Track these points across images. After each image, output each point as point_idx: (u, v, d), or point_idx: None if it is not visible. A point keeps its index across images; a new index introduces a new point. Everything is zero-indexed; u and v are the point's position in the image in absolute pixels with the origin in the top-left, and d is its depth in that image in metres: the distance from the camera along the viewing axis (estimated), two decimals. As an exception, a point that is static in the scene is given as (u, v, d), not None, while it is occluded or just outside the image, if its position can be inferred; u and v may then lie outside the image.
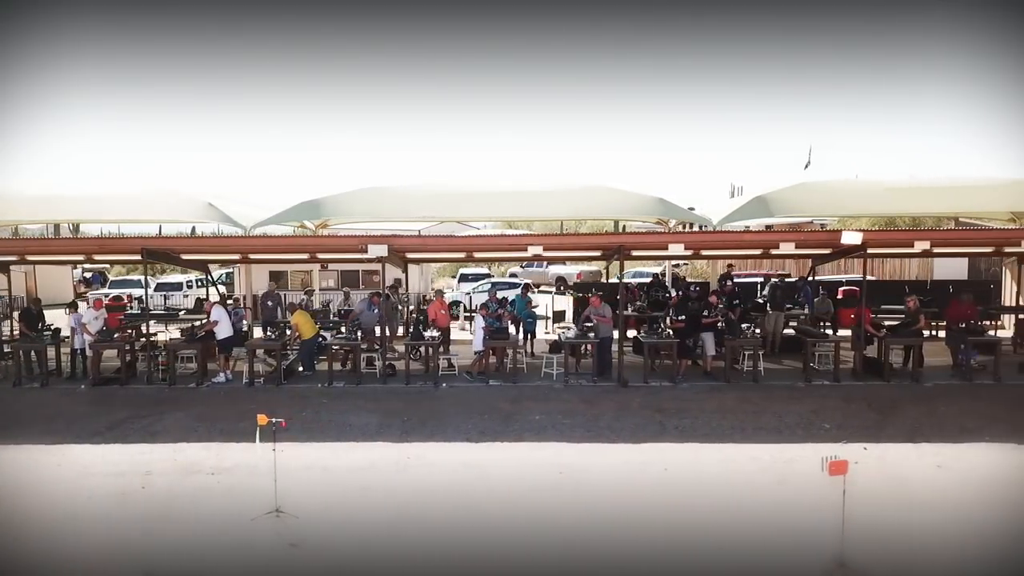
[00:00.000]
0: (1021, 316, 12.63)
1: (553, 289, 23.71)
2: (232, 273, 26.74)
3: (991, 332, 12.05)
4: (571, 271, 30.03)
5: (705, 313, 10.38)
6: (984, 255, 16.67)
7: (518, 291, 13.06)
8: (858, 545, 5.40)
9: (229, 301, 19.55)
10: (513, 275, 32.01)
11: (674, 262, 27.79)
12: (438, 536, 5.69)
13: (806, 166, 38.61)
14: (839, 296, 16.00)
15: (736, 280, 15.71)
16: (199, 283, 26.83)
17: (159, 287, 24.35)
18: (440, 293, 12.53)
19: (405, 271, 14.70)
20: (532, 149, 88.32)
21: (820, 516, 5.72)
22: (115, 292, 23.45)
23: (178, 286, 24.91)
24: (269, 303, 13.51)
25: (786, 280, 13.81)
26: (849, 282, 16.48)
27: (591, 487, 6.73)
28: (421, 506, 6.29)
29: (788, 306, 12.92)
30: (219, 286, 17.43)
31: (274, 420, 6.34)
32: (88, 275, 32.16)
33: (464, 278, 27.05)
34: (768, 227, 20.12)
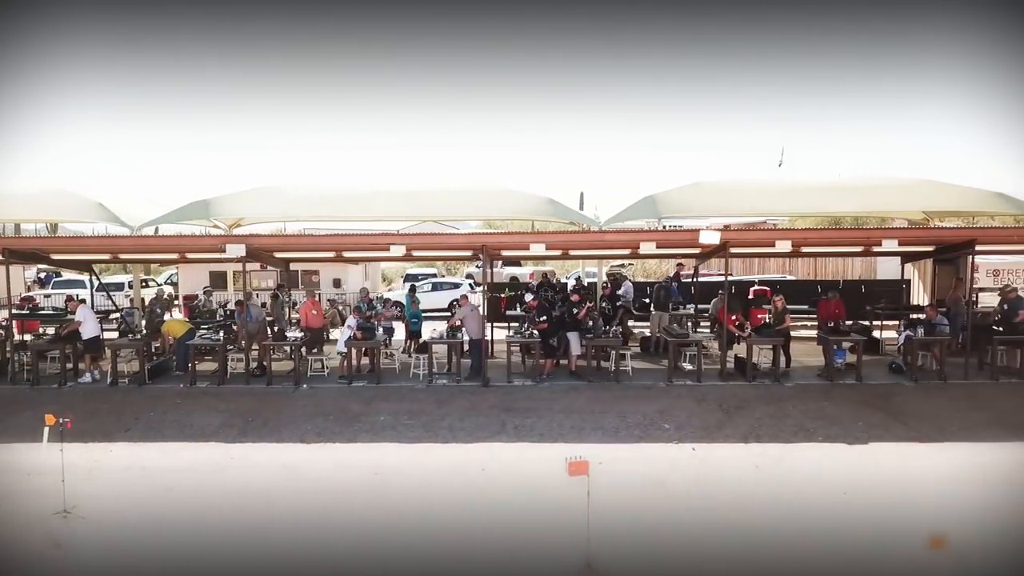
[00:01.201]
0: (914, 316, 12.58)
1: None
2: (176, 274, 26.78)
3: (876, 332, 12.05)
4: (524, 271, 30.03)
5: (564, 312, 10.33)
6: (852, 255, 16.73)
7: (431, 289, 13.01)
8: (606, 546, 5.39)
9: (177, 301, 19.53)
10: (469, 275, 32.02)
11: (618, 262, 27.90)
12: (224, 537, 5.67)
13: (779, 164, 38.87)
14: (750, 296, 16.04)
15: (684, 279, 16.14)
16: (143, 284, 26.97)
17: (100, 287, 24.29)
18: (312, 294, 12.47)
19: (287, 271, 14.68)
20: (529, 149, 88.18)
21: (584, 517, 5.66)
22: (58, 292, 23.45)
23: (120, 286, 24.87)
24: (158, 309, 13.43)
25: (671, 280, 13.81)
26: (762, 282, 16.49)
27: (400, 488, 6.71)
28: (223, 507, 6.27)
29: (673, 306, 12.91)
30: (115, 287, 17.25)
31: (61, 420, 6.30)
32: (43, 275, 32.09)
33: (409, 278, 27.09)
34: (726, 227, 20.31)
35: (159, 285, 27.78)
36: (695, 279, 14.96)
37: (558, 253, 13.09)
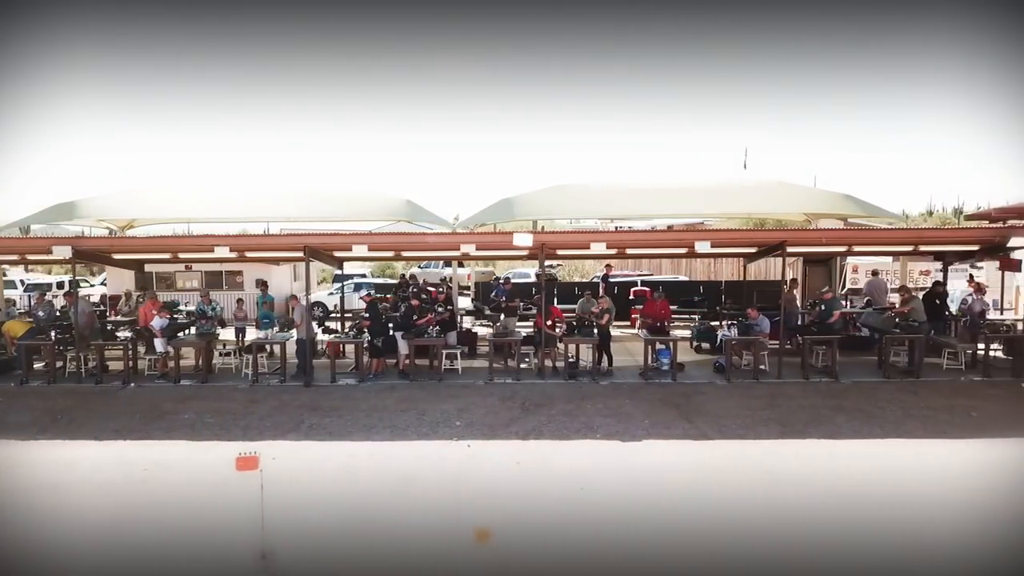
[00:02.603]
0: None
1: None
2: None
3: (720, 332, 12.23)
4: (463, 272, 30.25)
5: (400, 314, 10.53)
6: (677, 256, 17.01)
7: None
8: (282, 538, 5.58)
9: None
10: (412, 276, 32.22)
11: (547, 262, 28.10)
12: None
13: (744, 167, 39.27)
14: (630, 296, 16.28)
15: (612, 279, 16.59)
16: (77, 284, 27.19)
17: (28, 288, 24.47)
18: (152, 295, 12.63)
19: (142, 271, 14.90)
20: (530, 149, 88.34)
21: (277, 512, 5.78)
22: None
23: (48, 287, 24.98)
24: (40, 313, 13.56)
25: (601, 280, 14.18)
26: (644, 282, 16.72)
27: (144, 484, 6.89)
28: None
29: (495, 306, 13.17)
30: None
31: None
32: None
33: (338, 278, 27.30)
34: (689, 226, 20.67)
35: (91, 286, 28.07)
36: (608, 278, 15.32)
37: (391, 254, 13.32)
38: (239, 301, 12.87)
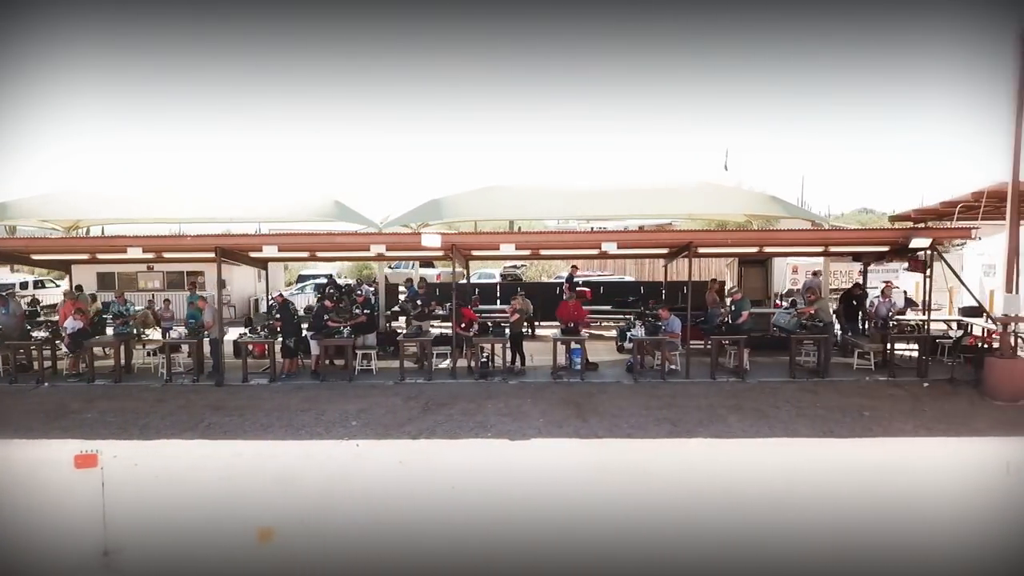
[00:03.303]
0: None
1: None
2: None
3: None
4: (433, 272, 30.39)
5: (314, 315, 10.62)
6: (591, 257, 17.22)
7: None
8: (133, 536, 5.67)
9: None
10: (374, 280, 32.32)
11: (510, 263, 28.23)
12: None
13: (725, 168, 39.38)
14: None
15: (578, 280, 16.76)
16: (40, 284, 27.39)
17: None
18: (72, 296, 12.71)
19: (67, 271, 15.04)
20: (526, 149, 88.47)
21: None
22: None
23: (10, 287, 25.07)
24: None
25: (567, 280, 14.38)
26: (586, 283, 16.80)
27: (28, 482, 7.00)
28: None
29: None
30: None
31: None
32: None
33: (302, 278, 27.49)
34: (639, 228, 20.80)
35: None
36: (574, 279, 15.52)
37: (305, 254, 13.45)
38: (166, 301, 12.94)
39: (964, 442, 7.89)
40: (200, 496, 6.66)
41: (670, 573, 5.09)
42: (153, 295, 19.16)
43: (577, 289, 16.62)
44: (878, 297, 11.26)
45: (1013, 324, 9.24)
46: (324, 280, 26.48)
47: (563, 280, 16.46)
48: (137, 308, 11.82)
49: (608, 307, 15.04)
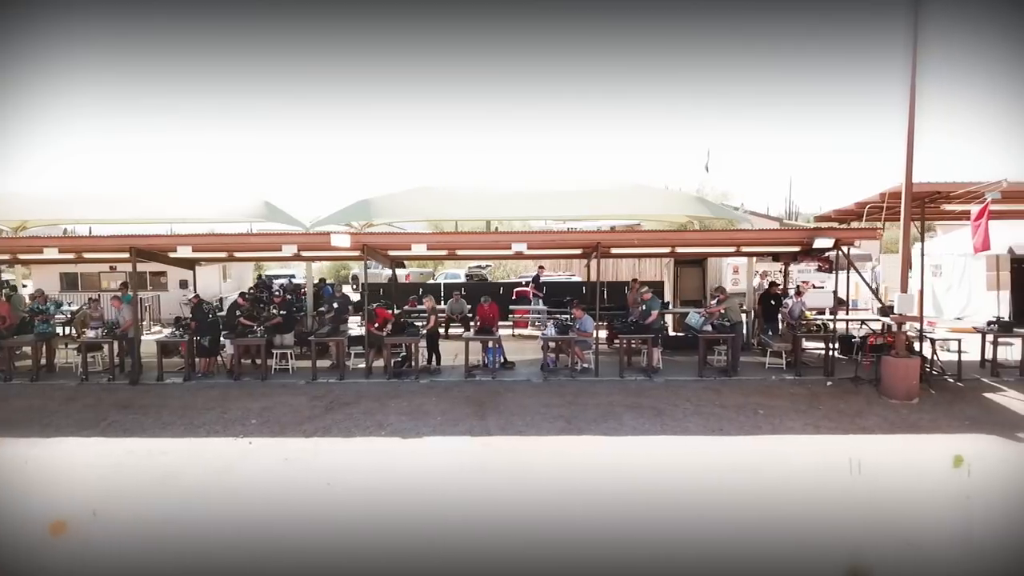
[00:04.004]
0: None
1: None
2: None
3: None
4: (402, 272, 30.48)
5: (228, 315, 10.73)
6: (503, 258, 17.32)
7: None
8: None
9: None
10: (354, 277, 32.46)
11: (475, 263, 28.34)
12: None
13: (706, 168, 39.50)
14: (514, 296, 16.49)
15: (544, 280, 16.89)
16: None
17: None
18: (7, 295, 12.81)
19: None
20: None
21: None
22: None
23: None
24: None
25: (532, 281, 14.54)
26: (527, 283, 16.91)
27: None
28: None
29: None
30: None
31: None
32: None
33: (271, 279, 27.63)
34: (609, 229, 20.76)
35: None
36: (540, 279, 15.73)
37: (223, 255, 13.59)
38: (94, 301, 13.01)
39: (842, 440, 7.99)
40: (81, 493, 6.70)
41: (538, 570, 5.14)
42: (99, 295, 19.16)
43: (519, 290, 16.79)
44: (792, 297, 11.39)
45: (907, 323, 9.36)
46: (285, 281, 26.63)
47: (530, 280, 16.49)
48: (67, 307, 11.90)
49: (546, 307, 15.15)
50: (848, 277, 11.73)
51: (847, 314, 13.20)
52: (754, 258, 13.44)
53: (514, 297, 16.25)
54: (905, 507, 5.95)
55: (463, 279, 26.18)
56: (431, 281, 27.12)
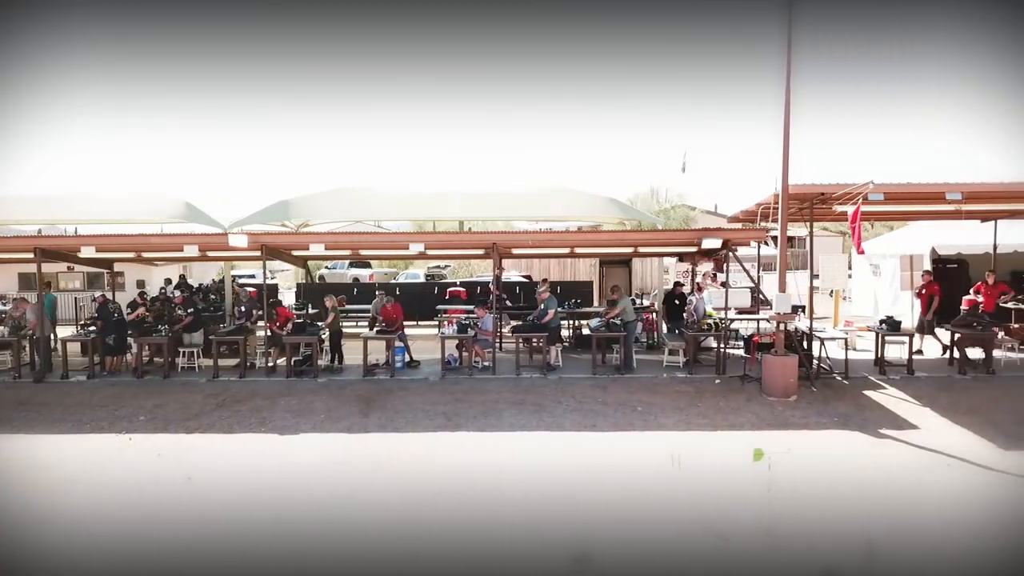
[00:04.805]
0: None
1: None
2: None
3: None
4: (365, 272, 30.72)
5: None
6: (405, 258, 17.31)
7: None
8: None
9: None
10: (321, 277, 32.65)
11: (435, 263, 28.49)
12: None
13: (683, 169, 39.73)
14: (447, 296, 16.67)
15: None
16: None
17: None
18: None
19: None
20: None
21: None
22: None
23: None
24: None
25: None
26: (462, 283, 17.13)
27: None
28: None
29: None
30: None
31: None
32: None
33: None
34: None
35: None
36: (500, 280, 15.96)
37: (131, 255, 13.83)
38: (17, 301, 13.19)
39: (705, 436, 8.14)
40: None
41: (392, 570, 5.17)
42: (54, 295, 19.32)
43: (452, 290, 17.00)
44: (694, 295, 11.60)
45: (785, 322, 9.57)
46: (245, 280, 26.81)
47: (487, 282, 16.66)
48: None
49: (471, 307, 15.31)
50: (759, 276, 11.96)
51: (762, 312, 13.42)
52: (673, 258, 13.64)
53: (447, 297, 16.45)
54: (707, 499, 6.15)
55: (422, 279, 26.39)
56: (393, 281, 27.35)
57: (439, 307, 15.65)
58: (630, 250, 12.07)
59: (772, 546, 5.32)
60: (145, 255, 13.98)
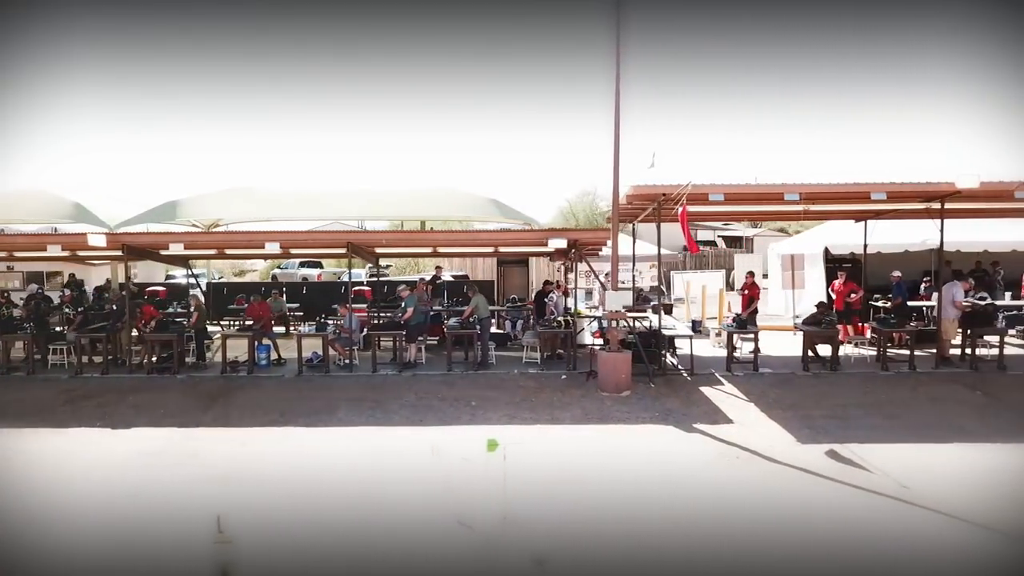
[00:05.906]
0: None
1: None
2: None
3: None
4: (314, 272, 31.01)
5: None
6: (270, 257, 17.29)
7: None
8: None
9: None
10: (282, 276, 32.93)
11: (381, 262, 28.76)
12: None
13: (651, 165, 39.95)
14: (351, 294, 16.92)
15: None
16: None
17: None
18: None
19: None
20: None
21: None
22: None
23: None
24: None
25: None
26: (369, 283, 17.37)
27: None
28: None
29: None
30: None
31: None
32: None
33: (170, 276, 28.09)
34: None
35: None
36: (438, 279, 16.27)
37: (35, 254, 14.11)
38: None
39: (523, 429, 8.26)
40: None
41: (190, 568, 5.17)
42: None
43: (354, 288, 17.22)
44: (554, 294, 11.89)
45: (615, 320, 9.86)
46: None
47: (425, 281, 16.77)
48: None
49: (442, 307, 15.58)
50: (632, 275, 12.23)
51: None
52: (557, 259, 13.91)
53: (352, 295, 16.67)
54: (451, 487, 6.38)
55: (363, 279, 26.62)
56: (338, 280, 27.57)
57: (334, 306, 15.91)
58: (490, 249, 12.34)
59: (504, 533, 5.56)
60: (17, 255, 14.21)
